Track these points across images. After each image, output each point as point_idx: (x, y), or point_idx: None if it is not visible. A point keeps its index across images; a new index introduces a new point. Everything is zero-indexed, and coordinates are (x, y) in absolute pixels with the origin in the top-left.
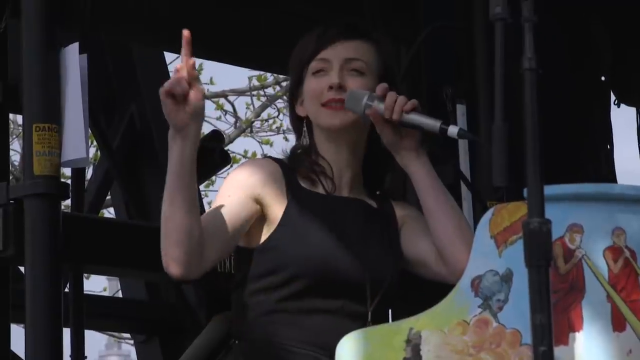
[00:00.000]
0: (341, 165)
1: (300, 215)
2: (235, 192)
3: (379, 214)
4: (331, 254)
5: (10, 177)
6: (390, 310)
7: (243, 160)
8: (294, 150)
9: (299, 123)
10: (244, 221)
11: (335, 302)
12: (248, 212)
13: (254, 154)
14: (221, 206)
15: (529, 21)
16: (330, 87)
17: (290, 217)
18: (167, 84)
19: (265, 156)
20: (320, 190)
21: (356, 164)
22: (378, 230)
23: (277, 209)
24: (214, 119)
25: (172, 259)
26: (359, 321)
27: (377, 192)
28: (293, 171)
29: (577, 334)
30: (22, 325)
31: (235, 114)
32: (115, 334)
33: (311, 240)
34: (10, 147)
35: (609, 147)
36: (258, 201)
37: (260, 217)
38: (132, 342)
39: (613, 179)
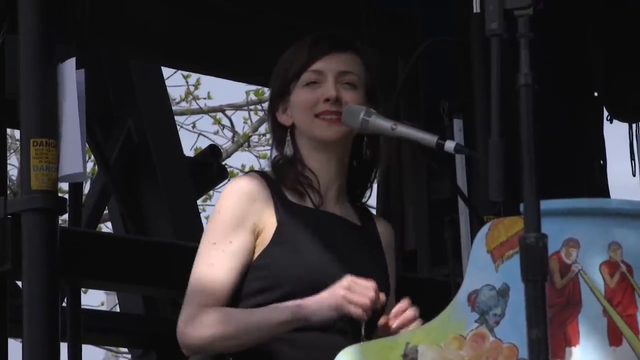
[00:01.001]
0: (329, 177)
1: (292, 233)
2: (235, 235)
3: (364, 233)
4: (324, 272)
5: (8, 192)
6: None
7: (241, 174)
8: (276, 161)
9: (282, 132)
10: (247, 262)
11: (328, 320)
12: (250, 249)
13: (252, 168)
14: (217, 269)
15: (525, 37)
16: (327, 100)
17: (282, 235)
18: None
19: (249, 172)
20: (308, 202)
21: (342, 175)
22: (365, 248)
23: (268, 226)
24: (211, 134)
25: (199, 345)
26: (351, 338)
27: (358, 204)
28: (279, 184)
29: (573, 348)
30: (19, 340)
31: (232, 128)
32: (113, 348)
33: (304, 258)
34: (8, 161)
35: (602, 162)
36: (254, 230)
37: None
38: (129, 356)
39: (606, 194)
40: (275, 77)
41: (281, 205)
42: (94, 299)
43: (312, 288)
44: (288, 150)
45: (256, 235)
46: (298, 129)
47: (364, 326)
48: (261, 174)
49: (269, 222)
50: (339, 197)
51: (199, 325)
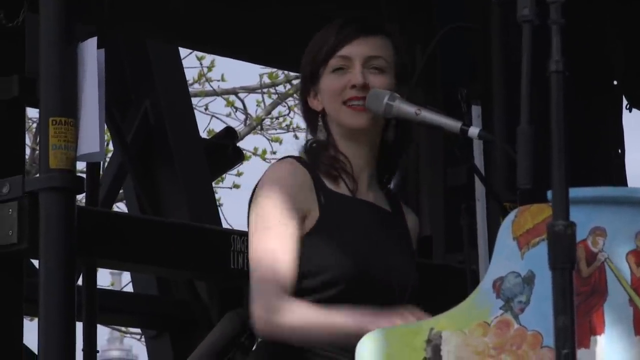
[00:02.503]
0: (360, 162)
1: (333, 222)
2: (288, 219)
3: (395, 221)
4: (364, 260)
5: None
6: None
7: (253, 158)
8: (310, 144)
9: (314, 117)
10: (299, 247)
11: (362, 305)
12: (300, 234)
13: (264, 152)
14: (284, 250)
15: (557, 24)
16: (354, 86)
17: (324, 223)
18: None
19: (286, 157)
20: (343, 188)
21: (374, 161)
22: (397, 236)
23: (312, 214)
24: (224, 116)
25: (289, 334)
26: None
27: (387, 193)
28: (316, 170)
29: (598, 337)
30: (30, 319)
31: (245, 111)
32: (121, 327)
33: (345, 247)
34: None
35: (620, 150)
36: (302, 215)
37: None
38: (136, 336)
39: (624, 183)
40: (305, 62)
41: (322, 193)
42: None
43: (353, 276)
44: (321, 135)
45: (302, 220)
46: (329, 116)
47: None
48: (298, 159)
49: (313, 210)
50: (371, 183)
51: (290, 314)
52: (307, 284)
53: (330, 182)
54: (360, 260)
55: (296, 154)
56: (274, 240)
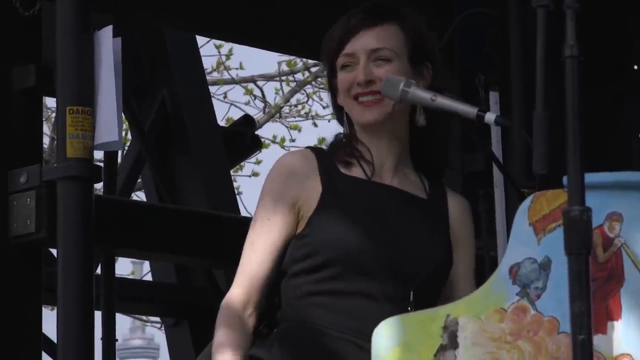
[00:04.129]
0: (382, 151)
1: (336, 201)
2: (274, 211)
3: (427, 206)
4: (367, 236)
5: None
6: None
7: (272, 145)
8: (336, 137)
9: (340, 112)
10: (287, 235)
11: (373, 287)
12: (290, 222)
13: (283, 139)
14: (261, 249)
15: (571, 8)
16: (358, 84)
17: (325, 203)
18: None
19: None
20: (359, 173)
21: (399, 149)
22: (424, 222)
23: (313, 197)
24: (242, 104)
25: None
26: (398, 306)
27: (430, 179)
28: (331, 156)
29: (615, 322)
30: (51, 308)
31: (264, 99)
32: (142, 317)
33: (346, 223)
34: None
35: (639, 136)
36: (294, 204)
37: (300, 211)
38: (157, 325)
39: None
40: (322, 58)
41: (327, 176)
42: (123, 268)
43: (350, 255)
44: (346, 130)
45: (297, 208)
46: (346, 110)
47: (413, 295)
48: (313, 149)
49: (314, 193)
50: (397, 170)
51: (218, 330)
52: (311, 263)
53: (344, 168)
54: (359, 239)
55: (314, 142)
56: (255, 235)
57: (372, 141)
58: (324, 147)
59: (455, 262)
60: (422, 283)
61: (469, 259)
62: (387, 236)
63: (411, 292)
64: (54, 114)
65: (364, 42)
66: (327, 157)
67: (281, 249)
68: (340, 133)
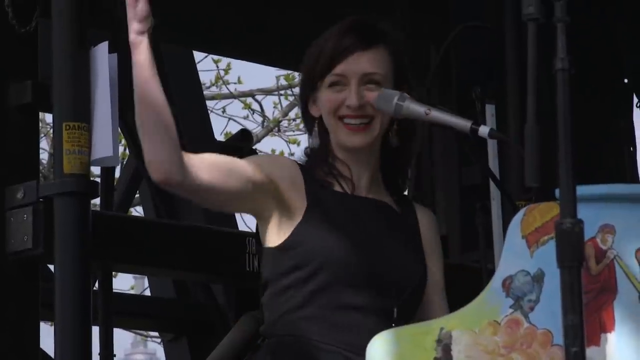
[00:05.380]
0: (360, 168)
1: (322, 213)
2: (252, 162)
3: (402, 219)
4: (354, 247)
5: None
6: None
7: None
8: (306, 153)
9: (310, 122)
10: (250, 178)
11: (361, 299)
12: (259, 179)
13: (282, 153)
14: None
15: (562, 22)
16: (348, 106)
17: (312, 214)
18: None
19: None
20: (339, 189)
21: (374, 165)
22: (400, 234)
23: (297, 207)
24: (241, 118)
25: (151, 159)
26: (385, 320)
27: (397, 195)
28: (311, 172)
29: (608, 334)
30: (50, 324)
31: (262, 113)
32: (143, 332)
33: (334, 234)
34: None
35: (632, 148)
36: (274, 183)
37: (277, 214)
38: (158, 340)
39: (636, 180)
40: (304, 68)
41: (311, 187)
42: (124, 283)
43: (342, 261)
44: (315, 142)
45: (269, 190)
46: (326, 125)
47: (397, 309)
48: (295, 161)
49: (299, 202)
50: (372, 185)
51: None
52: (300, 275)
53: (326, 183)
54: (349, 247)
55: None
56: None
57: (350, 158)
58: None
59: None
60: (406, 297)
61: (440, 272)
62: (374, 249)
63: (395, 308)
64: (52, 130)
65: (357, 65)
66: (306, 169)
67: (242, 175)
68: (309, 148)
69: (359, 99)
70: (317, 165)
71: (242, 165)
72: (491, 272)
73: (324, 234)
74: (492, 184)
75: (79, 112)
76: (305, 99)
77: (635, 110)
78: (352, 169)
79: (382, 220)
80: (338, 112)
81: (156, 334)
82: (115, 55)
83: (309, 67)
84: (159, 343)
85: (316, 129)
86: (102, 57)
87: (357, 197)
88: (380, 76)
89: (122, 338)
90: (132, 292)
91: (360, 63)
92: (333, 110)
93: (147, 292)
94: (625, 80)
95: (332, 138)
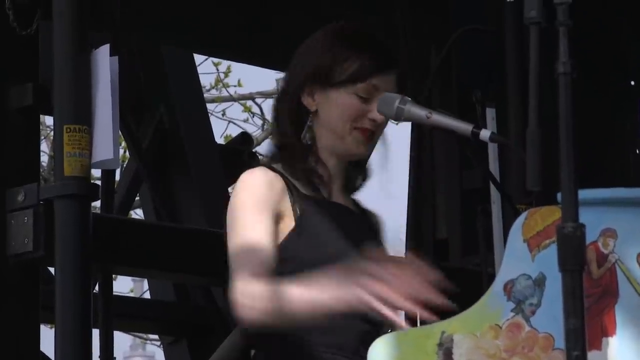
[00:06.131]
0: (336, 172)
1: (311, 224)
2: (263, 217)
3: (366, 222)
4: (343, 256)
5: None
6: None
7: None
8: (284, 149)
9: (304, 114)
10: (273, 242)
11: None
12: (274, 235)
13: None
14: (258, 237)
15: (564, 25)
16: (374, 120)
17: (302, 226)
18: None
19: (256, 167)
20: (317, 194)
21: (344, 171)
22: (372, 238)
23: (287, 218)
24: (241, 121)
25: (255, 320)
26: (377, 325)
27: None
28: (288, 176)
29: (610, 338)
30: (49, 326)
31: (262, 116)
32: (142, 334)
33: (327, 250)
34: None
35: (637, 151)
36: (276, 217)
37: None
38: (157, 343)
39: None
40: (317, 61)
41: (297, 197)
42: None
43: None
44: (307, 136)
45: (277, 221)
46: (323, 124)
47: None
48: (272, 169)
49: (287, 213)
50: (340, 189)
51: (252, 297)
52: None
53: (304, 188)
54: (342, 259)
55: None
56: (252, 229)
57: (333, 161)
58: (272, 163)
59: None
60: None
61: None
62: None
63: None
64: (52, 132)
65: (387, 83)
66: (284, 176)
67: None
68: (284, 145)
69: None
70: (297, 166)
71: (271, 246)
72: (492, 276)
73: (315, 250)
74: (492, 188)
75: (80, 115)
76: (299, 90)
77: None
78: (331, 173)
79: (357, 226)
80: (357, 121)
81: (155, 336)
82: (116, 57)
83: (329, 62)
84: (159, 346)
85: (309, 123)
86: (103, 59)
87: (335, 203)
88: None
89: (120, 341)
90: (131, 294)
91: (389, 82)
92: (353, 118)
93: (146, 295)
94: (632, 83)
95: (321, 135)
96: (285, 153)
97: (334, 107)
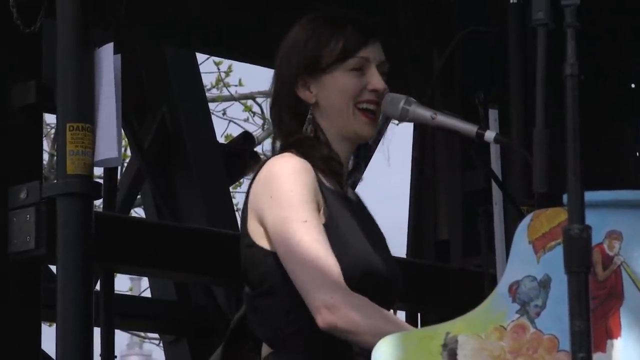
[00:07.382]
0: (345, 159)
1: (338, 223)
2: (314, 210)
3: (369, 214)
4: (369, 254)
5: None
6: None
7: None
8: (298, 142)
9: (303, 107)
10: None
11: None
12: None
13: None
14: (318, 237)
15: (572, 27)
16: (375, 90)
17: (331, 225)
18: None
19: (284, 153)
20: (336, 187)
21: (347, 160)
22: (379, 231)
23: (320, 212)
24: (242, 121)
25: (339, 321)
26: None
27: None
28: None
29: (615, 340)
30: (49, 324)
31: (263, 115)
32: (140, 333)
33: (351, 242)
34: None
35: (638, 154)
36: (318, 208)
37: None
38: (155, 341)
39: None
40: (304, 52)
41: (324, 192)
42: (121, 284)
43: (358, 275)
44: (308, 129)
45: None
46: (327, 113)
47: (392, 311)
48: (310, 169)
49: (320, 205)
50: (346, 180)
51: (351, 308)
52: None
53: (327, 180)
54: (365, 260)
55: None
56: (314, 233)
57: (343, 149)
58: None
59: None
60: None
61: None
62: (377, 252)
63: (394, 306)
64: (53, 130)
65: (376, 51)
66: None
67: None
68: (299, 137)
69: (383, 82)
70: (316, 157)
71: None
72: (493, 277)
73: (344, 243)
74: (494, 189)
75: (83, 113)
76: (293, 85)
77: None
78: (343, 163)
79: (366, 220)
80: (358, 97)
81: (153, 335)
82: (119, 56)
83: (315, 50)
84: (157, 344)
85: (310, 116)
86: (107, 58)
87: (349, 198)
88: (387, 67)
89: (117, 339)
90: (130, 293)
91: (378, 50)
92: (354, 95)
93: (145, 294)
94: (632, 85)
95: (325, 125)
96: (299, 146)
97: (332, 91)
